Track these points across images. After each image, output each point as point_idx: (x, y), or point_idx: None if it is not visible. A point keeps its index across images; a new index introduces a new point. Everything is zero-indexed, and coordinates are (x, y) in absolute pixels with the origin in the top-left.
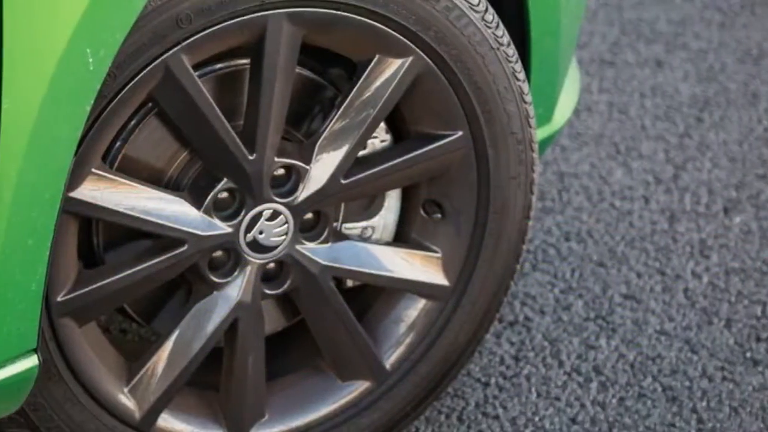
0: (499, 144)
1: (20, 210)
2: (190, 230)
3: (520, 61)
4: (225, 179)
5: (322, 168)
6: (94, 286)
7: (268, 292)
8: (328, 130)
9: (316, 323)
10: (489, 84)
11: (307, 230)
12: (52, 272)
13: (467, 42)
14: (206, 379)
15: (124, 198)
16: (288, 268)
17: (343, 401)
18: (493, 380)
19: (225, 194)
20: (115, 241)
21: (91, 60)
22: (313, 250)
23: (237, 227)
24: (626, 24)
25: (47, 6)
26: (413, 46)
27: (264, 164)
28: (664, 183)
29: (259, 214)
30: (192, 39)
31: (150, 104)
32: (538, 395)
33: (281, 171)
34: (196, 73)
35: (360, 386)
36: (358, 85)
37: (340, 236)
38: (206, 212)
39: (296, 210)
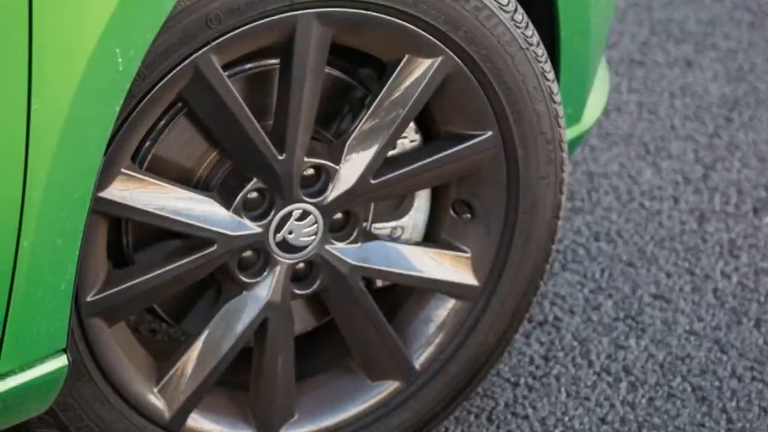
0: (529, 144)
1: (50, 210)
2: (219, 230)
3: (549, 61)
4: (254, 179)
5: (351, 168)
6: (124, 286)
7: (297, 292)
8: (357, 130)
9: (345, 323)
10: (518, 84)
11: (336, 230)
12: (82, 272)
13: (497, 42)
14: (236, 379)
15: (153, 198)
16: (317, 268)
17: (372, 401)
18: (522, 380)
19: (254, 194)
20: (145, 241)
21: (120, 60)
22: (342, 250)
23: (266, 227)
24: (656, 24)
25: (77, 6)
26: (443, 46)
27: (294, 164)
28: (694, 183)
29: (289, 214)
30: (221, 39)
31: (179, 104)
32: (568, 395)
33: (311, 171)
34: (226, 73)
35: (390, 386)
36: (387, 85)
37: (369, 236)
38: (236, 212)
39: (326, 210)
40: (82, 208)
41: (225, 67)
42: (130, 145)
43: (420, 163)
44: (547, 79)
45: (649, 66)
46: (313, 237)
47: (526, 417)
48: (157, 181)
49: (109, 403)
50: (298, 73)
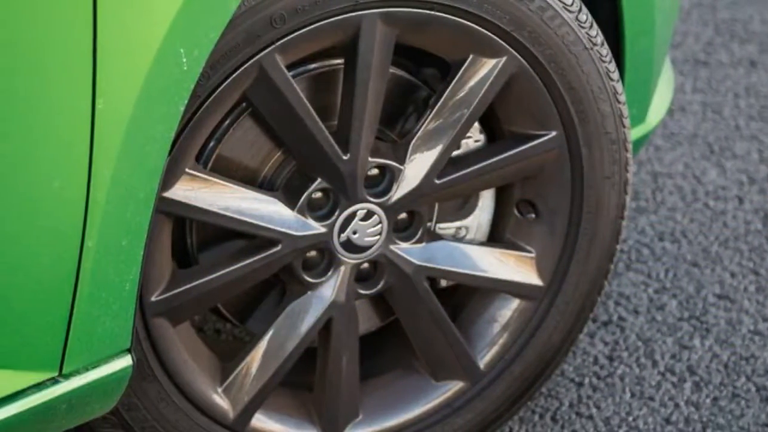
0: (593, 144)
1: (114, 210)
2: (284, 230)
3: (613, 61)
4: (319, 179)
5: (416, 168)
6: (188, 286)
7: (362, 292)
8: (422, 129)
9: (410, 323)
10: (583, 84)
11: (401, 230)
12: (146, 272)
13: (561, 42)
14: (300, 379)
15: (217, 198)
16: (382, 268)
17: (437, 401)
18: (586, 380)
19: (319, 194)
20: (209, 241)
21: (185, 60)
22: (407, 250)
23: (331, 227)
24: (720, 24)
25: (141, 6)
26: (507, 46)
27: (358, 164)
28: (758, 183)
29: (353, 214)
30: (286, 39)
31: (244, 104)
32: (632, 395)
33: (375, 171)
34: (290, 73)
35: (454, 386)
36: (452, 85)
37: (434, 236)
38: (300, 212)
39: (390, 210)
40: (146, 208)
41: (289, 67)
42: (195, 145)
43: (484, 163)
44: (612, 79)
45: (713, 66)
46: (377, 237)
47: (590, 417)
48: (221, 181)
49: (174, 403)
50: (362, 73)
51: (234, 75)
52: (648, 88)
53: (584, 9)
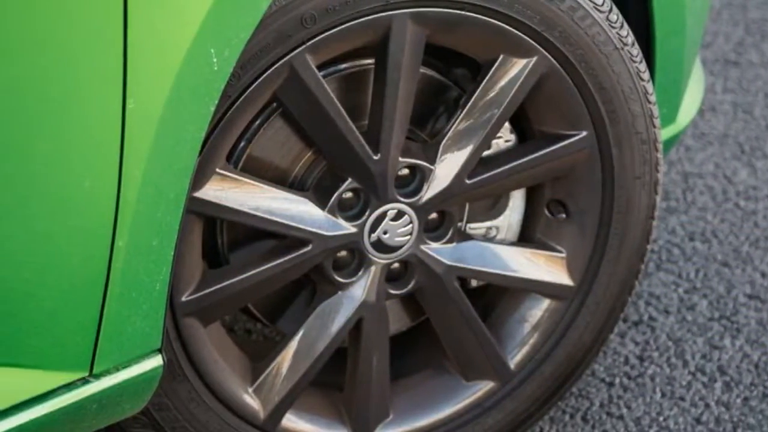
0: (624, 144)
1: (144, 210)
2: (314, 230)
3: (644, 61)
4: (349, 179)
5: (446, 168)
6: (219, 286)
7: (392, 292)
8: (452, 129)
9: (440, 323)
10: (613, 84)
11: (431, 230)
12: (177, 272)
13: (591, 42)
14: (331, 379)
15: (248, 198)
16: (412, 268)
17: (467, 401)
18: (617, 380)
19: (349, 194)
20: (240, 241)
21: (215, 60)
22: (437, 250)
23: (361, 227)
24: (750, 24)
25: (171, 6)
26: (538, 46)
27: (388, 164)
28: None
29: (384, 214)
30: (317, 39)
31: (274, 104)
32: (663, 395)
33: (405, 171)
34: (321, 73)
35: (484, 386)
36: (482, 85)
37: (464, 236)
38: (331, 212)
39: (421, 210)
40: (177, 208)
41: (320, 67)
42: (225, 145)
43: (515, 163)
44: (642, 79)
45: (743, 66)
46: (408, 237)
47: (620, 417)
48: (252, 181)
49: (204, 403)
50: (393, 73)
51: (264, 75)
52: (678, 88)
53: (615, 9)
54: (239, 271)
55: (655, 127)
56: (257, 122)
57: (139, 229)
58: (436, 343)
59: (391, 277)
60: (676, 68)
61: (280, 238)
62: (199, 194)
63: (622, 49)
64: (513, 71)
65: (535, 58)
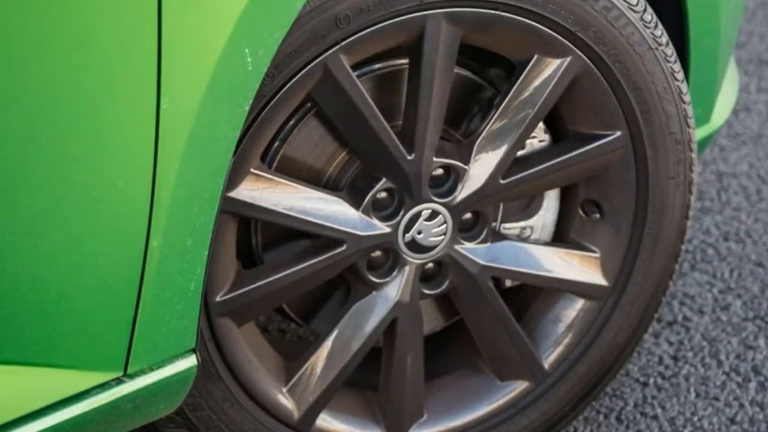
0: (658, 144)
1: (178, 210)
2: (348, 230)
3: (678, 61)
4: (384, 179)
5: (480, 168)
6: (253, 286)
7: (426, 292)
8: (486, 129)
9: (475, 323)
10: (648, 84)
11: (465, 230)
12: (211, 272)
13: (626, 42)
14: (365, 379)
15: (282, 198)
16: (447, 268)
17: (501, 401)
18: (651, 380)
19: (384, 194)
20: (274, 241)
21: (249, 60)
22: (471, 250)
23: (396, 227)
24: None
25: (206, 6)
26: (572, 46)
27: (423, 164)
28: None
29: (418, 214)
30: (351, 39)
31: (308, 104)
32: (697, 395)
33: (440, 171)
34: (355, 73)
35: (519, 386)
36: (516, 85)
37: (498, 236)
38: (365, 212)
39: (455, 210)
40: (211, 208)
41: (354, 67)
42: (260, 145)
43: (549, 163)
44: (677, 79)
45: None
46: (442, 237)
47: (655, 417)
48: (286, 181)
49: (238, 403)
50: (427, 73)
51: (299, 75)
52: (713, 88)
53: (649, 9)
54: (273, 271)
55: (689, 127)
56: (291, 122)
57: (174, 229)
58: (471, 343)
59: (425, 277)
60: (710, 68)
61: (314, 238)
62: (233, 194)
63: (657, 49)
64: (547, 71)
65: (569, 58)
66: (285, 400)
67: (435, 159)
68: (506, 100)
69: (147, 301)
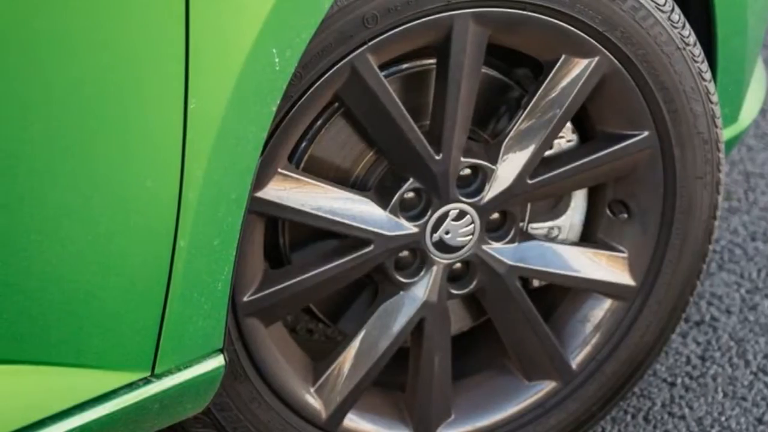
0: (686, 144)
1: (206, 210)
2: (376, 230)
3: (706, 61)
4: (411, 179)
5: (508, 168)
6: (281, 286)
7: (454, 292)
8: (514, 129)
9: (502, 323)
10: (675, 84)
11: (493, 230)
12: (239, 272)
13: (653, 42)
14: (392, 379)
15: (310, 198)
16: (474, 268)
17: (529, 401)
18: (679, 380)
19: (411, 194)
20: (301, 241)
21: (277, 60)
22: (499, 250)
23: (423, 227)
24: None
25: (233, 6)
26: (600, 46)
27: (450, 164)
28: None
29: (446, 214)
30: (378, 39)
31: (336, 104)
32: (725, 395)
33: (467, 171)
34: (383, 73)
35: (546, 386)
36: (544, 85)
37: (526, 236)
38: (392, 212)
39: (482, 210)
40: (238, 208)
41: (381, 67)
42: (287, 145)
43: (577, 163)
44: (704, 79)
45: None
46: (469, 237)
47: (682, 417)
48: (313, 181)
49: (266, 403)
50: (454, 73)
51: (326, 75)
52: (740, 88)
53: (677, 9)
54: (301, 271)
55: (717, 127)
56: (319, 122)
57: (201, 229)
58: (498, 343)
59: (452, 277)
60: (737, 68)
61: (341, 238)
62: (260, 194)
63: (684, 49)
64: (575, 71)
65: (597, 58)
66: (312, 400)
67: (462, 159)
68: (534, 100)
69: (174, 301)
